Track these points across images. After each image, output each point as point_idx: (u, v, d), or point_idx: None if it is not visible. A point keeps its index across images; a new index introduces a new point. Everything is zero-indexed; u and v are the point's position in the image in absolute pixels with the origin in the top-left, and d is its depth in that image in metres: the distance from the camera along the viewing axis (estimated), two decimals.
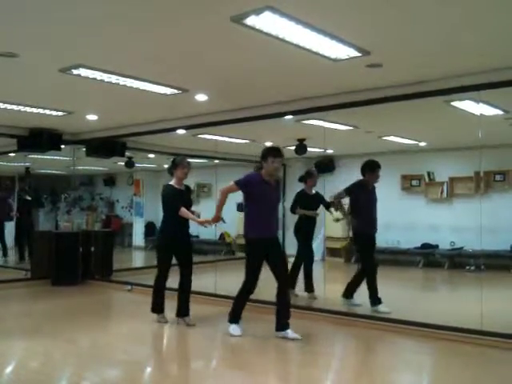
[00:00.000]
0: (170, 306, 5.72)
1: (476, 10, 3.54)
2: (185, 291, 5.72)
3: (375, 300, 6.01)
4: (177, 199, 5.58)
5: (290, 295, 5.38)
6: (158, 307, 5.75)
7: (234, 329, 5.18)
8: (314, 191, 7.12)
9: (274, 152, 5.11)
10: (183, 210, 5.51)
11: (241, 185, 5.21)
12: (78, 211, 10.83)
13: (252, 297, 5.26)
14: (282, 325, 5.07)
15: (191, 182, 13.65)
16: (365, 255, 6.32)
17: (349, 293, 6.31)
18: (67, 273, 8.47)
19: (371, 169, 6.27)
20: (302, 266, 7.02)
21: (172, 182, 5.69)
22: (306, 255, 7.07)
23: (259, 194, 5.17)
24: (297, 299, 6.61)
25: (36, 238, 9.16)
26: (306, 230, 7.05)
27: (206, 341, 5.19)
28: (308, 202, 6.99)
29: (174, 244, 5.65)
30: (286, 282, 5.24)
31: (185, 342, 5.22)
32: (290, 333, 5.02)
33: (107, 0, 3.38)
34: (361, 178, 6.35)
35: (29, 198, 11.08)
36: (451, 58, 4.61)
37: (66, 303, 7.17)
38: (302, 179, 7.15)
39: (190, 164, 5.77)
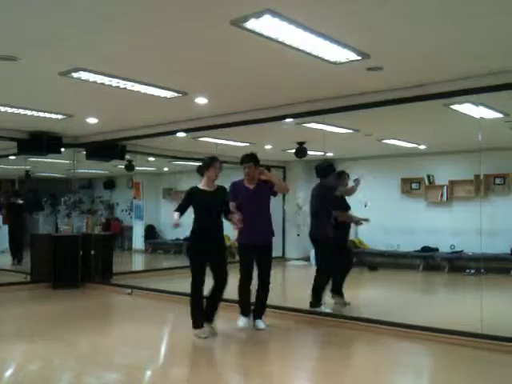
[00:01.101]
0: (171, 309, 5.70)
1: (475, 13, 3.54)
2: (211, 297, 5.35)
3: (319, 302, 6.10)
4: (188, 200, 5.31)
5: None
6: (197, 322, 5.28)
7: (242, 320, 5.48)
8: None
9: (241, 159, 5.52)
10: (175, 213, 5.22)
11: (232, 198, 5.50)
12: (78, 214, 10.80)
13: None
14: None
15: (191, 185, 13.70)
16: (329, 258, 6.20)
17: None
18: (67, 276, 8.46)
19: (334, 171, 6.49)
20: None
21: (200, 184, 5.42)
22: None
23: (241, 200, 5.47)
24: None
25: (36, 241, 9.15)
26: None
27: (206, 344, 5.17)
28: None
29: (203, 247, 5.23)
30: (266, 288, 5.54)
31: (185, 345, 5.20)
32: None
33: (107, 4, 3.38)
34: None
35: (20, 202, 11.08)
36: (451, 61, 4.62)
37: (66, 306, 7.16)
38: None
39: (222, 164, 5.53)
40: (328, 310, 6.10)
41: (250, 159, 5.53)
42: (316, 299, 6.10)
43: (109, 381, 4.23)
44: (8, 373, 4.38)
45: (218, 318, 5.35)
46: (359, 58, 4.42)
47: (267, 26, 3.66)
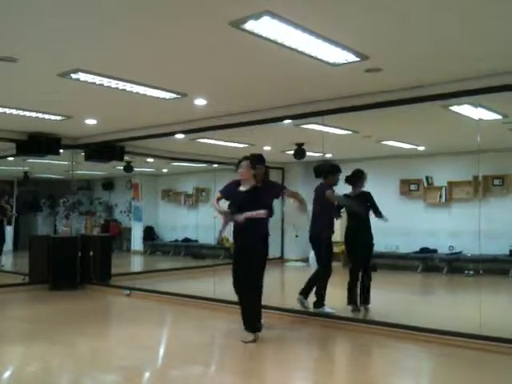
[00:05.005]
0: (170, 310, 5.69)
1: (474, 15, 3.55)
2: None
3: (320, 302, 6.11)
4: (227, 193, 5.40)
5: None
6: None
7: None
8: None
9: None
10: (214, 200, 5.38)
11: (223, 193, 5.40)
12: (77, 216, 10.81)
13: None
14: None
15: (190, 186, 13.73)
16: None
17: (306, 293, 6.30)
18: (65, 277, 8.46)
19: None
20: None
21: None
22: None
23: (233, 200, 5.29)
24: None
25: (34, 243, 9.13)
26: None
27: (205, 346, 5.17)
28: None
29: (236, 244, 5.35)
30: None
31: (184, 347, 5.20)
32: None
33: (106, 5, 3.39)
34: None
35: (5, 205, 11.07)
36: (450, 62, 4.62)
37: (65, 308, 7.14)
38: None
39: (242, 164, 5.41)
40: (330, 310, 6.03)
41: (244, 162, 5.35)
42: (317, 299, 6.18)
43: (107, 383, 4.22)
44: (5, 375, 4.37)
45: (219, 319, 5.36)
46: (358, 59, 4.43)
47: (266, 27, 3.66)
